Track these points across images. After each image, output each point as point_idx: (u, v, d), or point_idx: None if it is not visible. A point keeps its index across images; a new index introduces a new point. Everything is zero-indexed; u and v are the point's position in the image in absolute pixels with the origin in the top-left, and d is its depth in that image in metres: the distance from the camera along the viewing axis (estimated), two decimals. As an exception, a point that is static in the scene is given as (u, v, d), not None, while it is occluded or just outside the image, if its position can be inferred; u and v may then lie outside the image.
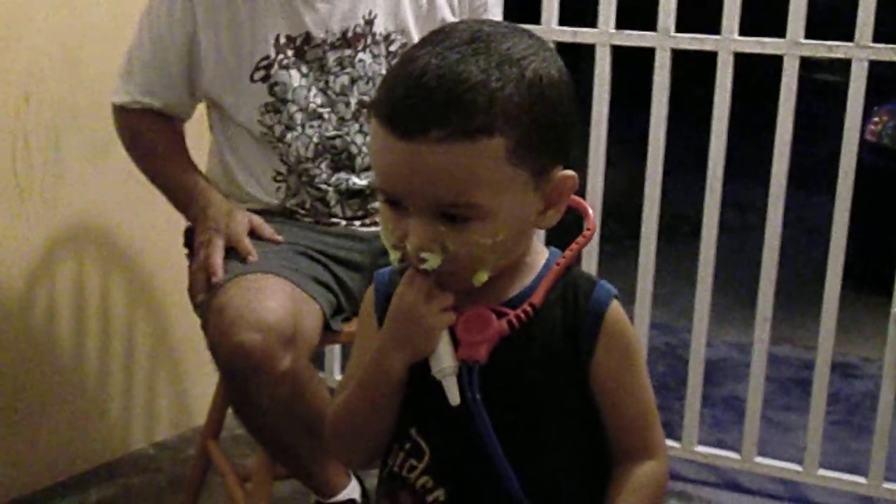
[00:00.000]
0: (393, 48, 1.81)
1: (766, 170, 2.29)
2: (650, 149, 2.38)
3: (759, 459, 2.41)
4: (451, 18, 1.84)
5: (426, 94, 0.91)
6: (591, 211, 1.10)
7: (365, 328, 1.09)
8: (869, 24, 2.17)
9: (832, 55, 2.24)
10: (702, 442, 2.46)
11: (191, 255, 1.87)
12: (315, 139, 1.79)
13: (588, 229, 1.09)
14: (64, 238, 2.28)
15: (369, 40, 1.79)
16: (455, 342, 1.00)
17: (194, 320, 1.74)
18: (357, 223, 1.86)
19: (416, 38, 1.78)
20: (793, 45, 2.23)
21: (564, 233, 1.10)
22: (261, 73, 1.75)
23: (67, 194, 2.25)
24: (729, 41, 2.28)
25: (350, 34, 1.77)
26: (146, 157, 1.87)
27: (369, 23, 1.78)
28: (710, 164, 2.34)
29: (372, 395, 1.03)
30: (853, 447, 2.42)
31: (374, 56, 1.80)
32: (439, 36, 0.96)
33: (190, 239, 1.88)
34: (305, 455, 1.77)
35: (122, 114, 1.86)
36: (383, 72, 1.79)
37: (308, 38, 1.76)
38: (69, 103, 2.23)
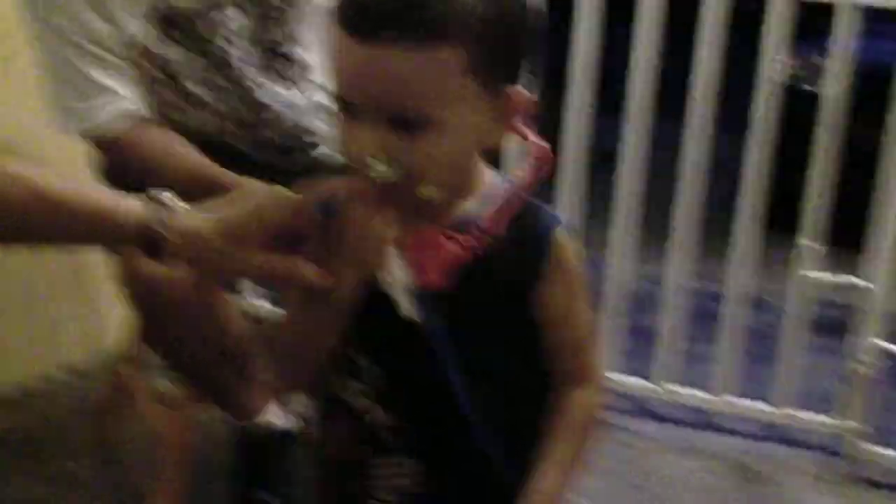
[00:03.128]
0: None
1: (680, 105, 2.34)
2: (575, 84, 2.39)
3: (672, 387, 2.50)
4: None
5: None
6: (542, 144, 1.07)
7: None
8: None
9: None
10: (619, 371, 2.52)
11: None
12: (223, 108, 1.69)
13: (538, 159, 1.06)
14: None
15: None
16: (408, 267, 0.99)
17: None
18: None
19: None
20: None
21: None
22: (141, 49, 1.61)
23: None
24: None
25: None
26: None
27: None
28: (634, 100, 2.37)
29: (320, 315, 1.00)
30: (758, 376, 2.51)
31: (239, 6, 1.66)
32: None
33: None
34: (220, 380, 1.75)
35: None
36: (247, 22, 1.67)
37: (170, 6, 1.60)
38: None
